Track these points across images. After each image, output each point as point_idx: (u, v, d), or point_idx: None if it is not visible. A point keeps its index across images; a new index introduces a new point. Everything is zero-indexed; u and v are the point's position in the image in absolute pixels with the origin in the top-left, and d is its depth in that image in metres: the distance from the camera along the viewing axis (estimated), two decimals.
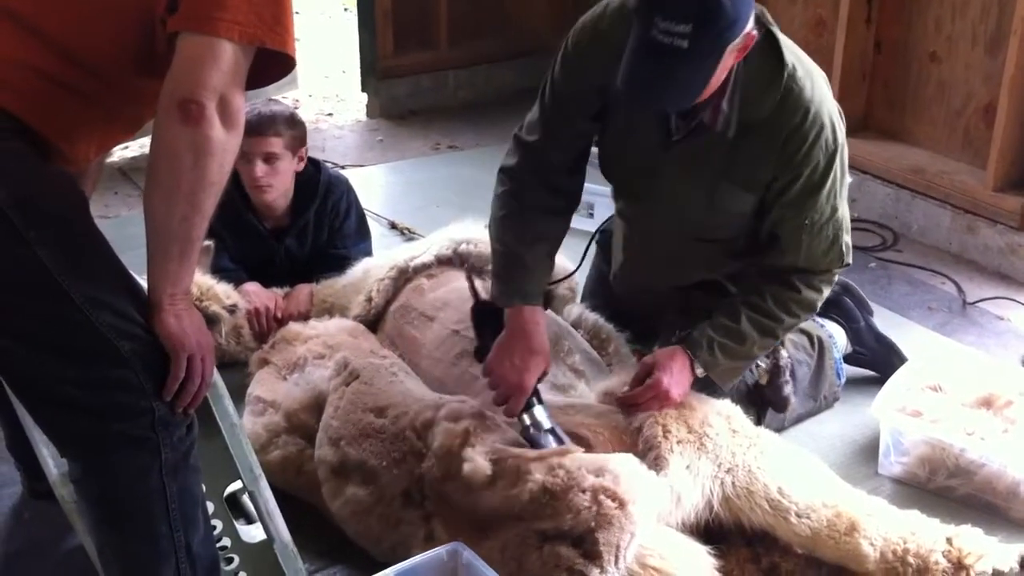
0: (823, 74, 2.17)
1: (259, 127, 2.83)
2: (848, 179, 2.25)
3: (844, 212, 2.24)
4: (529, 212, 2.24)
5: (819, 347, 2.67)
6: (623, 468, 1.95)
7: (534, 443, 2.05)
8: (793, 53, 2.09)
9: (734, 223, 2.28)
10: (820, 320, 2.77)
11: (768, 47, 2.01)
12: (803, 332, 2.70)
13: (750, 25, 1.86)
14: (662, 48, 1.76)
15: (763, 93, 2.03)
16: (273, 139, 2.88)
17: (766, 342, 2.30)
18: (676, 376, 2.18)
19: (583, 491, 1.89)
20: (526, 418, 2.09)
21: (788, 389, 2.51)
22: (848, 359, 2.79)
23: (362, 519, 2.10)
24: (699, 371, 2.23)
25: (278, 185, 2.95)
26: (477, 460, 1.97)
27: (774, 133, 2.08)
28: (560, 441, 2.05)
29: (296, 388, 2.43)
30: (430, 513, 2.04)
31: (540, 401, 2.12)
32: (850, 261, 2.30)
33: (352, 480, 2.12)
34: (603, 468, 1.94)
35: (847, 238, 2.27)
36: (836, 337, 2.74)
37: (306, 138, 3.01)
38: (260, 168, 2.89)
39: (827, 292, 2.32)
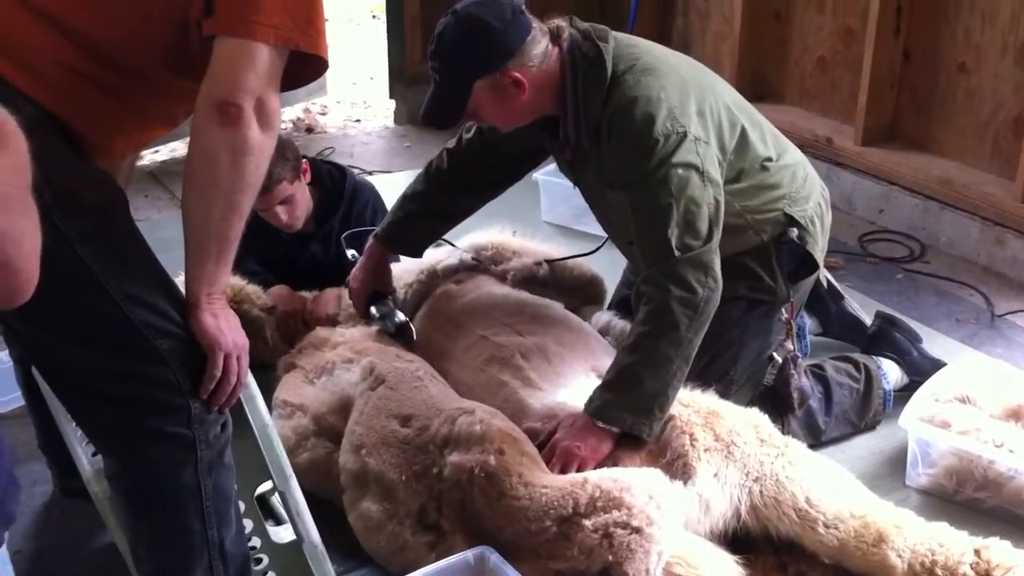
0: (674, 71, 2.31)
1: (265, 186, 2.77)
2: (695, 181, 2.20)
3: (679, 206, 2.18)
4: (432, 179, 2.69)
5: (866, 374, 2.65)
6: (637, 498, 1.91)
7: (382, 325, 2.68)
8: (631, 56, 2.31)
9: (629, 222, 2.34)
10: (872, 356, 2.76)
11: (596, 60, 2.29)
12: (847, 359, 2.70)
13: (516, 66, 2.24)
14: (432, 78, 2.31)
15: (593, 99, 2.31)
16: (283, 187, 2.84)
17: (656, 359, 2.16)
18: (576, 432, 2.13)
19: (594, 531, 1.88)
20: (373, 310, 2.69)
21: (796, 383, 2.47)
22: (906, 389, 2.71)
23: (373, 535, 2.10)
24: (600, 423, 2.13)
25: (301, 213, 2.97)
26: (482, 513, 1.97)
27: (607, 131, 2.31)
28: (397, 324, 2.64)
29: (323, 392, 2.44)
30: (443, 534, 2.03)
31: (385, 303, 2.71)
32: (677, 255, 2.18)
33: (369, 493, 2.12)
34: (616, 501, 1.91)
35: (674, 232, 2.18)
36: (887, 371, 2.71)
37: (299, 154, 2.95)
38: (283, 213, 2.89)
39: (680, 286, 2.17)
